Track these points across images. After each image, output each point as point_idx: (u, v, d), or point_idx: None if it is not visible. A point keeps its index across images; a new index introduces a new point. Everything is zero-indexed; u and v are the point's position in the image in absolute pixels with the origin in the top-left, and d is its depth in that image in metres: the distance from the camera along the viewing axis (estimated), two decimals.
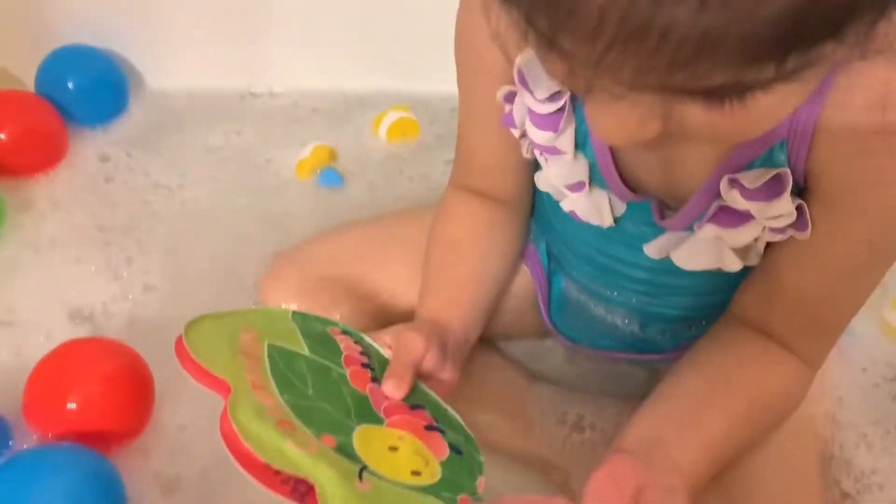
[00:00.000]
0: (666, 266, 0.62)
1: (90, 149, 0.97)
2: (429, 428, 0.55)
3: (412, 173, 0.99)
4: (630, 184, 0.59)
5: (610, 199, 0.61)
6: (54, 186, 0.92)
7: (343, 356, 0.58)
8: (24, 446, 0.65)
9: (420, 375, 0.60)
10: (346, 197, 0.95)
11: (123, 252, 0.86)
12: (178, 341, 0.52)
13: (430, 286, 0.68)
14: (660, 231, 0.60)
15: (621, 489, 0.51)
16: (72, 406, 0.66)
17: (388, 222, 0.79)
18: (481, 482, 0.54)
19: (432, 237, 0.70)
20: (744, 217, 0.55)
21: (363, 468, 0.49)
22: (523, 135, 0.62)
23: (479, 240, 0.69)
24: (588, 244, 0.67)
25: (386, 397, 0.56)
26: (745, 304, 0.61)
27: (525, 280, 0.76)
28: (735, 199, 0.53)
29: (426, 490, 0.50)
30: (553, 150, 0.60)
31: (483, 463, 0.56)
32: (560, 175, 0.61)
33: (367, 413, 0.54)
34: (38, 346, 0.74)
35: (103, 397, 0.67)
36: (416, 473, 0.51)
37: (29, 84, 0.99)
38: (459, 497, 0.51)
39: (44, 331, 0.78)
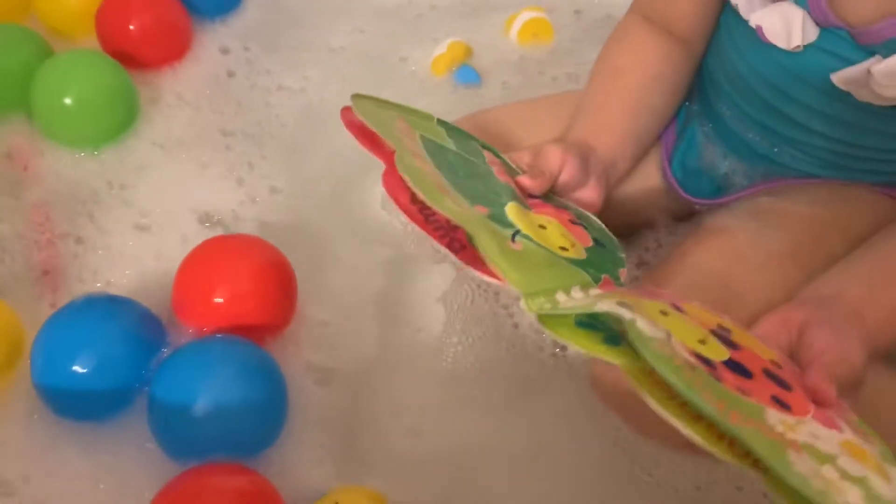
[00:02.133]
0: (838, 113, 0.60)
1: (212, 41, 0.97)
2: (573, 222, 0.58)
3: (556, 73, 0.96)
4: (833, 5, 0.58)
5: (804, 20, 0.59)
6: (180, 80, 0.92)
7: (486, 159, 0.59)
8: (182, 341, 0.66)
9: (561, 189, 0.60)
10: (483, 95, 0.93)
11: (245, 157, 0.85)
12: (345, 109, 0.56)
13: (582, 110, 0.67)
14: (850, 63, 0.58)
15: (787, 325, 0.50)
16: (220, 300, 0.66)
17: (544, 99, 0.77)
18: (623, 272, 0.56)
19: (599, 61, 0.69)
20: None
21: (516, 232, 0.51)
22: None
23: (646, 70, 0.68)
24: (760, 75, 0.64)
25: (529, 196, 0.58)
26: None
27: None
28: None
29: (573, 262, 0.52)
30: None
31: (625, 259, 0.58)
32: None
33: (516, 198, 0.56)
34: (176, 250, 0.74)
35: (251, 291, 0.67)
36: (563, 249, 0.53)
37: None
38: (603, 276, 0.52)
39: (178, 235, 0.78)
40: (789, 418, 0.42)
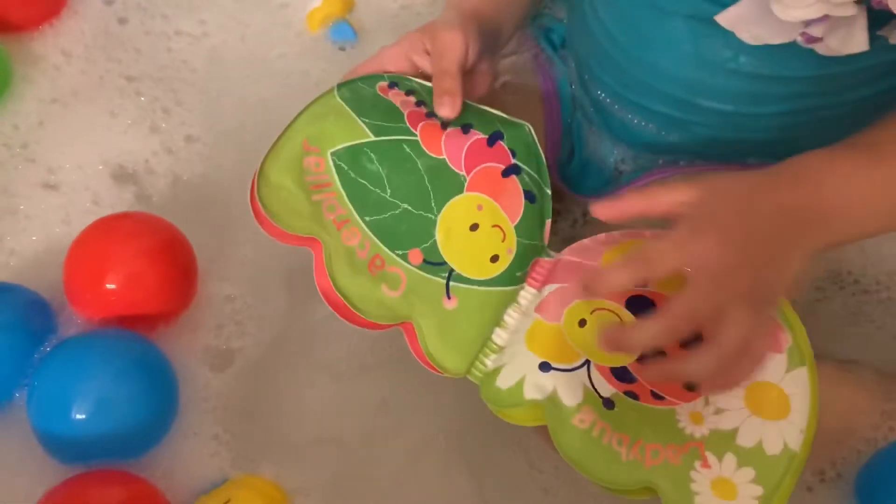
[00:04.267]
0: (720, 77, 0.56)
1: None
2: (506, 173, 0.55)
3: None
4: None
5: None
6: (63, 36, 0.84)
7: (406, 116, 0.55)
8: (71, 331, 0.64)
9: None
10: (358, 56, 0.81)
11: (159, 102, 0.80)
12: (255, 206, 0.52)
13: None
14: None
15: None
16: (112, 287, 0.63)
17: None
18: (547, 227, 0.55)
19: None
20: None
21: (449, 276, 0.52)
22: None
23: None
24: (629, 53, 0.60)
25: (462, 147, 0.55)
26: None
27: None
28: None
29: (503, 278, 0.53)
30: None
31: (550, 196, 0.56)
32: None
33: (446, 185, 0.54)
34: (87, 212, 0.71)
35: (144, 276, 0.64)
36: (494, 259, 0.53)
37: None
38: (528, 267, 0.54)
39: (89, 194, 0.74)
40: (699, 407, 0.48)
